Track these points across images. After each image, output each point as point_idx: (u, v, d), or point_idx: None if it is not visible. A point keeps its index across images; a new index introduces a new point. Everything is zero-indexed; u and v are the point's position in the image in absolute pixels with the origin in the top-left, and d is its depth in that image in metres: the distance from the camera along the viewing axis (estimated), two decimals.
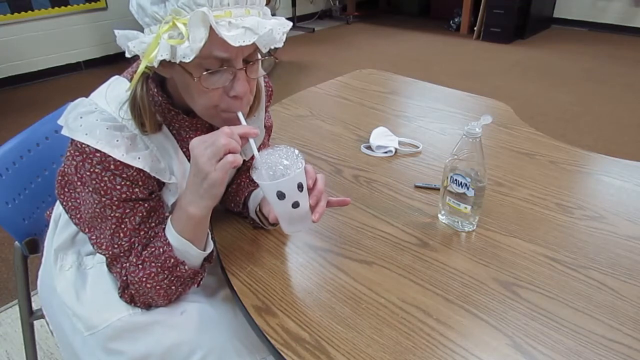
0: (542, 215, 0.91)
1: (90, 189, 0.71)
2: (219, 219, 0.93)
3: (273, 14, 0.71)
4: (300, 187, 0.69)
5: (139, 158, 0.71)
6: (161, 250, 0.73)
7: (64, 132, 0.71)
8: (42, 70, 3.88)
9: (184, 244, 0.73)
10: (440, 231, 0.88)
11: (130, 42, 0.64)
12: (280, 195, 0.68)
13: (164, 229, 0.75)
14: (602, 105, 3.27)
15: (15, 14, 3.60)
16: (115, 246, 0.74)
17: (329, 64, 4.24)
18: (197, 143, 0.65)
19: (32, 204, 1.04)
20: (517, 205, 0.94)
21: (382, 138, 1.19)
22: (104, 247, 0.75)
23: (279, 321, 0.69)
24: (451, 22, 5.33)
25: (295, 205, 0.69)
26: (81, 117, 0.70)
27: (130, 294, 0.77)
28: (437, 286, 0.75)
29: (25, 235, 1.03)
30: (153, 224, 0.76)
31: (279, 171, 0.68)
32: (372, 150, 1.17)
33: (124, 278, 0.75)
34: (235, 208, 0.92)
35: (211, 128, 0.80)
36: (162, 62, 0.63)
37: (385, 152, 1.15)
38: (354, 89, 1.56)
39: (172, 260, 0.73)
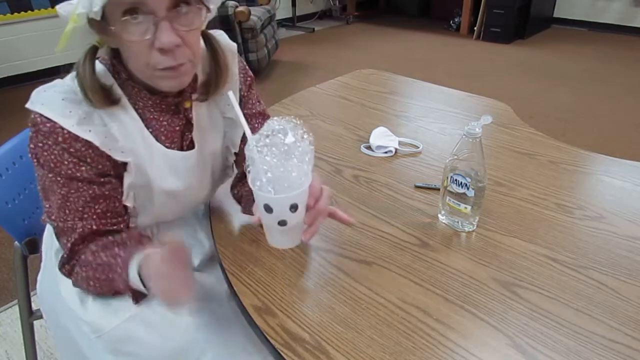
0: (542, 215, 0.91)
1: (41, 161, 0.71)
2: (219, 219, 0.93)
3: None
4: (293, 207, 0.64)
5: (89, 131, 0.70)
6: (113, 263, 0.72)
7: (27, 105, 0.70)
8: (42, 70, 3.88)
9: (138, 284, 0.69)
10: (440, 231, 0.88)
11: (60, 8, 0.64)
12: (267, 209, 0.64)
13: (133, 254, 0.70)
14: (602, 105, 3.27)
15: (15, 14, 3.60)
16: (61, 220, 0.74)
17: (329, 64, 4.24)
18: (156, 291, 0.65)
19: (32, 204, 1.04)
20: (517, 205, 0.94)
21: (382, 138, 1.18)
22: (53, 217, 0.74)
23: (279, 321, 0.69)
24: (451, 22, 5.33)
25: (282, 223, 0.65)
26: (45, 91, 0.71)
27: (71, 267, 0.77)
28: (437, 286, 0.75)
29: (25, 235, 1.02)
30: (99, 210, 0.74)
31: (279, 178, 0.63)
32: (372, 150, 1.16)
33: (68, 253, 0.75)
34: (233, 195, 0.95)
35: (175, 111, 0.79)
36: (95, 26, 0.62)
37: (385, 152, 1.15)
38: (354, 89, 1.56)
39: (115, 279, 0.72)
